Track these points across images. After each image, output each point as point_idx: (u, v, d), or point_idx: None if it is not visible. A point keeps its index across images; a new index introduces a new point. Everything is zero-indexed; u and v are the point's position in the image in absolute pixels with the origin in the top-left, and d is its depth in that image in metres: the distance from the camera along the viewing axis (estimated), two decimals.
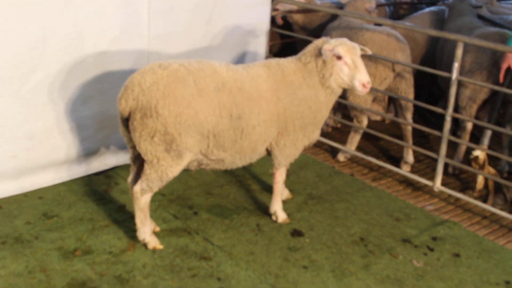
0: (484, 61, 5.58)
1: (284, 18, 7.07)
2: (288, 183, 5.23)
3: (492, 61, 5.53)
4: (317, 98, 4.47)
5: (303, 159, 5.90)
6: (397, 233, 4.80)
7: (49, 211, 4.68)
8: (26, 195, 4.87)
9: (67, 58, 4.74)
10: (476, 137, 6.26)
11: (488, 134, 5.63)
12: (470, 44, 5.34)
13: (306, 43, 4.89)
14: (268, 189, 5.22)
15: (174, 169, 4.09)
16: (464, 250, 4.63)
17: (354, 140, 6.19)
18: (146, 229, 4.26)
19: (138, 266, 4.09)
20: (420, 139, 6.79)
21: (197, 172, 5.22)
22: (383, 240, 4.67)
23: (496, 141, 6.34)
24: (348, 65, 4.30)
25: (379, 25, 6.18)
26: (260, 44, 6.29)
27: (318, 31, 6.70)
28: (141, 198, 4.15)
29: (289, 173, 4.88)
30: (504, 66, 5.22)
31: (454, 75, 5.12)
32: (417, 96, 6.11)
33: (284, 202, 4.99)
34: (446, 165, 5.66)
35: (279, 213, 4.80)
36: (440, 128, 5.45)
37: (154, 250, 4.26)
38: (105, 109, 5.09)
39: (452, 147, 5.99)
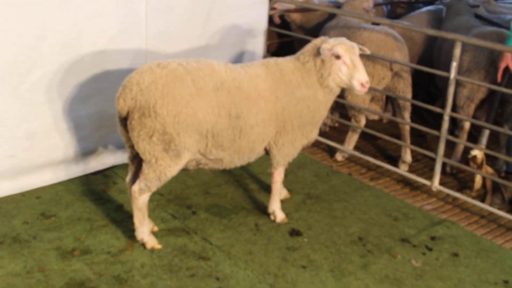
0: (482, 60, 5.59)
1: (281, 17, 7.07)
2: (286, 183, 5.22)
3: (490, 60, 5.53)
4: (316, 98, 4.46)
5: (301, 158, 5.89)
6: (396, 232, 4.80)
7: (47, 211, 4.66)
8: (23, 195, 4.85)
9: (65, 57, 4.73)
10: (473, 136, 6.27)
11: (486, 133, 5.63)
12: (467, 44, 5.34)
13: (304, 42, 4.90)
14: (266, 188, 5.22)
15: (172, 169, 4.08)
16: (463, 250, 4.64)
17: (352, 139, 6.19)
18: (144, 229, 4.25)
19: (137, 266, 4.08)
20: (417, 138, 6.79)
21: (195, 171, 5.21)
22: (381, 239, 4.67)
23: (494, 141, 6.35)
24: (346, 65, 4.29)
25: (377, 24, 6.18)
26: (258, 43, 6.29)
27: (316, 30, 6.71)
28: (140, 198, 4.14)
29: (287, 173, 4.87)
30: (502, 66, 5.22)
31: (452, 74, 5.12)
32: (414, 95, 6.11)
33: (282, 201, 4.99)
34: (443, 165, 5.67)
35: (278, 213, 4.79)
36: (437, 127, 5.45)
37: (152, 250, 4.25)
38: (103, 108, 5.08)
39: (450, 146, 5.99)
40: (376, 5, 7.10)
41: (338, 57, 4.29)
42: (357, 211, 5.10)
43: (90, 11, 4.75)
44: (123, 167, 5.35)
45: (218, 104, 4.07)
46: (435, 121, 7.03)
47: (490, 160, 5.51)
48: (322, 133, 6.50)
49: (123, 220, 4.61)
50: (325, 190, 5.42)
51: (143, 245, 4.28)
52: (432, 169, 5.60)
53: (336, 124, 7.14)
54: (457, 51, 5.06)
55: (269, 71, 4.38)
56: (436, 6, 7.26)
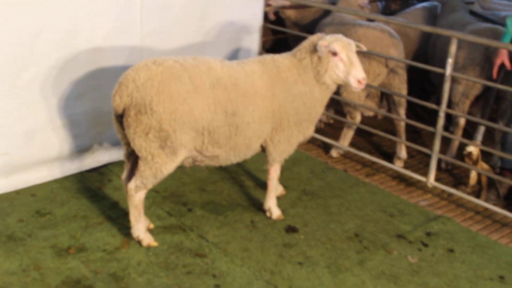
0: (477, 57, 5.60)
1: (276, 13, 7.05)
2: (282, 179, 5.22)
3: (485, 57, 5.54)
4: (312, 94, 4.46)
5: (297, 155, 5.88)
6: (391, 229, 4.80)
7: (42, 209, 4.64)
8: (18, 193, 4.83)
9: (60, 54, 4.70)
10: (468, 132, 6.28)
11: (481, 130, 5.64)
12: (463, 40, 5.35)
13: (299, 39, 4.89)
14: (262, 185, 5.21)
15: (168, 166, 4.07)
16: (458, 246, 4.65)
17: (347, 136, 6.19)
18: (140, 226, 4.24)
19: (133, 264, 4.07)
20: (412, 134, 6.79)
21: (191, 168, 5.20)
22: (377, 236, 4.68)
23: (489, 137, 6.36)
24: (343, 62, 4.29)
25: (372, 20, 6.18)
26: (253, 40, 6.27)
27: (311, 27, 6.70)
28: (136, 195, 4.13)
29: (282, 169, 4.87)
30: (498, 62, 5.24)
31: (448, 71, 5.13)
32: (409, 92, 6.11)
33: (278, 198, 4.99)
34: (438, 161, 5.67)
35: (274, 210, 4.79)
36: (432, 123, 5.46)
37: (148, 248, 4.24)
38: (98, 105, 5.06)
39: (445, 142, 6.00)
40: (370, 1, 7.09)
41: (335, 54, 4.28)
42: (352, 207, 5.10)
43: (85, 9, 4.73)
44: (118, 164, 5.34)
45: (215, 101, 4.06)
46: (430, 117, 7.04)
47: (485, 156, 5.52)
48: (317, 130, 6.50)
49: (118, 217, 4.59)
50: (320, 187, 5.43)
51: (139, 242, 4.27)
52: (427, 165, 5.62)
53: (331, 121, 7.13)
54: (452, 48, 5.06)
55: (266, 68, 4.37)
56: (430, 3, 7.26)
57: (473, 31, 5.74)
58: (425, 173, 5.56)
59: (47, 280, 3.83)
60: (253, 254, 4.29)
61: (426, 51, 6.56)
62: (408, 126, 6.22)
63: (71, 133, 5.03)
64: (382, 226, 4.83)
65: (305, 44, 4.45)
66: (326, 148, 6.38)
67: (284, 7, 6.88)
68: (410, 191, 5.59)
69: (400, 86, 5.93)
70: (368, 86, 5.68)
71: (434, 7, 7.04)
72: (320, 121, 6.96)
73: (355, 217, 4.93)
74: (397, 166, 5.94)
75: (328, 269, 4.20)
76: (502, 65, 5.26)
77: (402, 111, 6.04)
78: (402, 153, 6.10)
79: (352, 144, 6.30)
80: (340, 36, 4.37)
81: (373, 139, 6.75)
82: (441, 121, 5.29)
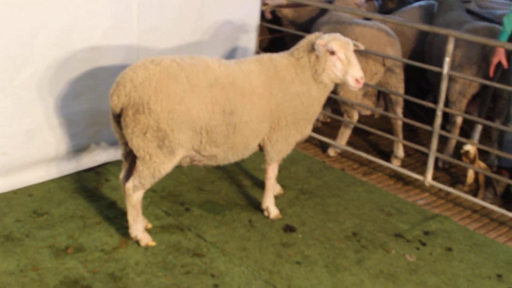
0: (474, 55, 5.61)
1: (273, 12, 7.04)
2: (279, 178, 5.21)
3: (482, 55, 5.55)
4: (310, 93, 4.45)
5: (294, 154, 5.84)
6: (389, 228, 4.81)
7: (39, 209, 4.62)
8: (15, 193, 4.81)
9: (56, 53, 4.69)
10: (465, 131, 6.29)
11: (478, 128, 5.65)
12: (460, 39, 5.36)
13: (295, 38, 4.88)
14: (260, 184, 5.21)
15: (166, 166, 4.06)
16: (456, 244, 4.66)
17: (344, 135, 6.19)
18: (138, 226, 4.23)
19: (131, 264, 4.06)
20: (409, 133, 6.79)
21: (188, 168, 5.18)
22: (375, 235, 4.68)
23: (486, 136, 6.37)
24: (341, 60, 4.28)
25: (369, 19, 6.18)
26: (250, 39, 6.27)
27: (307, 26, 6.69)
28: (134, 195, 4.12)
29: (280, 168, 4.86)
30: (495, 61, 5.24)
31: (445, 69, 5.13)
32: (405, 90, 6.11)
33: (276, 197, 4.98)
34: (435, 160, 5.68)
35: (271, 209, 4.79)
36: (428, 122, 5.46)
37: (146, 247, 4.23)
38: (95, 105, 5.05)
39: (442, 141, 6.01)
40: (367, 0, 7.09)
41: (332, 53, 4.28)
42: (350, 206, 5.10)
43: (82, 7, 4.71)
44: (115, 164, 5.32)
45: (212, 101, 4.06)
46: (426, 115, 7.05)
47: (482, 154, 5.53)
48: (314, 129, 6.49)
49: (116, 217, 4.58)
50: (318, 186, 5.42)
51: (137, 242, 4.26)
52: (424, 164, 5.62)
53: (329, 120, 7.13)
54: (450, 47, 5.06)
55: (263, 67, 4.36)
56: (427, 1, 7.26)
57: (470, 30, 5.74)
58: (423, 172, 5.56)
59: (45, 280, 3.82)
60: (251, 254, 4.29)
61: (423, 50, 6.56)
62: (405, 125, 6.23)
63: (68, 132, 5.01)
64: (380, 225, 4.83)
65: (303, 43, 4.44)
66: (324, 147, 6.38)
67: (280, 6, 6.87)
68: (408, 190, 5.59)
69: (397, 85, 5.93)
70: (365, 85, 5.68)
71: (431, 6, 7.05)
72: (317, 120, 6.96)
73: (353, 216, 4.93)
74: (395, 165, 5.94)
75: (327, 268, 4.20)
76: (499, 64, 5.26)
77: (399, 110, 6.04)
78: (399, 152, 6.10)
79: (350, 143, 6.30)
80: (338, 35, 4.36)
81: (370, 138, 6.75)
82: (438, 120, 5.29)
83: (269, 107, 4.32)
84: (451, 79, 5.61)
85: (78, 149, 5.16)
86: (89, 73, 4.94)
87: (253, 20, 6.24)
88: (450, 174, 6.03)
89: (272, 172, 4.74)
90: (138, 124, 3.89)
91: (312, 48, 4.36)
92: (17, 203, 4.66)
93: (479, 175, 5.52)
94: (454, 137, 5.71)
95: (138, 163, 4.04)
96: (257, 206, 4.90)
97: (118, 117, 4.02)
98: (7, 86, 4.50)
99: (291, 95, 4.38)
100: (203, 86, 4.03)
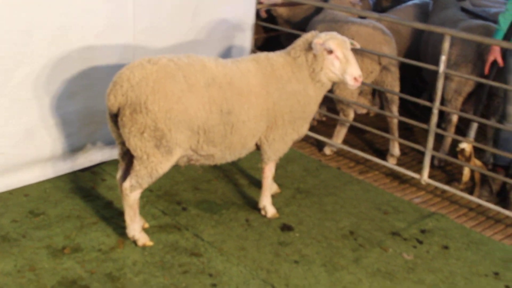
0: (469, 54, 5.62)
1: (268, 11, 7.03)
2: (276, 177, 5.20)
3: (477, 54, 5.56)
4: (306, 92, 4.45)
5: (290, 153, 5.84)
6: (386, 226, 4.81)
7: (35, 209, 4.60)
8: (11, 193, 4.78)
9: (52, 53, 4.66)
10: (460, 129, 6.31)
11: (474, 126, 5.67)
12: (455, 37, 5.37)
13: (291, 36, 4.87)
14: (256, 183, 5.21)
15: (164, 165, 4.05)
16: (453, 242, 4.67)
17: (340, 133, 6.20)
18: (135, 226, 4.22)
19: (129, 263, 4.05)
20: (404, 131, 6.81)
21: (185, 167, 5.17)
22: (372, 233, 4.69)
23: (481, 133, 6.39)
24: (339, 59, 4.28)
25: (364, 18, 6.18)
26: (246, 38, 6.26)
27: (303, 25, 6.69)
28: (131, 195, 4.10)
29: (276, 167, 4.86)
30: (490, 59, 5.25)
31: (441, 68, 5.14)
32: (400, 89, 6.12)
33: (273, 196, 4.98)
34: (431, 158, 5.69)
35: (268, 208, 4.78)
36: (424, 120, 5.47)
37: (144, 247, 4.22)
38: (91, 104, 5.03)
39: (437, 139, 6.02)
40: None
41: (330, 51, 4.28)
42: (347, 205, 5.11)
43: (77, 7, 4.69)
44: (111, 163, 5.31)
45: (210, 100, 4.05)
46: (422, 114, 7.06)
47: (477, 152, 5.54)
48: (310, 127, 6.45)
49: (113, 217, 4.57)
50: (314, 185, 5.43)
51: (134, 242, 4.25)
52: (420, 162, 5.63)
53: (324, 118, 7.14)
54: (445, 45, 5.07)
55: (260, 66, 4.36)
56: (422, 0, 7.27)
57: (465, 28, 5.76)
58: (419, 170, 5.58)
59: (43, 280, 3.80)
60: (249, 253, 4.28)
61: (418, 48, 6.57)
62: (400, 123, 6.24)
63: (63, 132, 4.99)
64: (377, 224, 4.84)
65: (300, 42, 4.44)
66: (319, 146, 6.38)
67: (275, 5, 6.86)
68: (404, 188, 5.60)
69: (392, 83, 5.94)
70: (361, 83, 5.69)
71: (426, 4, 7.06)
72: (313, 118, 6.95)
73: (349, 215, 4.94)
74: (391, 163, 5.95)
75: (324, 267, 4.20)
76: (495, 62, 5.27)
77: (395, 108, 6.05)
78: (395, 150, 6.11)
79: (345, 141, 6.31)
80: (334, 33, 4.36)
81: (366, 137, 6.76)
82: (434, 118, 5.30)
83: (266, 106, 4.32)
84: (446, 77, 5.62)
85: (74, 149, 5.14)
86: (85, 73, 4.92)
87: (249, 18, 6.23)
88: (446, 172, 6.05)
89: (269, 171, 4.74)
90: (135, 123, 3.87)
91: (309, 47, 4.35)
92: (13, 203, 4.64)
93: (475, 173, 5.53)
94: (449, 135, 5.73)
95: (136, 163, 4.03)
96: (254, 205, 4.90)
97: (115, 117, 4.01)
98: (2, 85, 4.47)
99: (287, 94, 4.38)
100: (201, 85, 4.02)
